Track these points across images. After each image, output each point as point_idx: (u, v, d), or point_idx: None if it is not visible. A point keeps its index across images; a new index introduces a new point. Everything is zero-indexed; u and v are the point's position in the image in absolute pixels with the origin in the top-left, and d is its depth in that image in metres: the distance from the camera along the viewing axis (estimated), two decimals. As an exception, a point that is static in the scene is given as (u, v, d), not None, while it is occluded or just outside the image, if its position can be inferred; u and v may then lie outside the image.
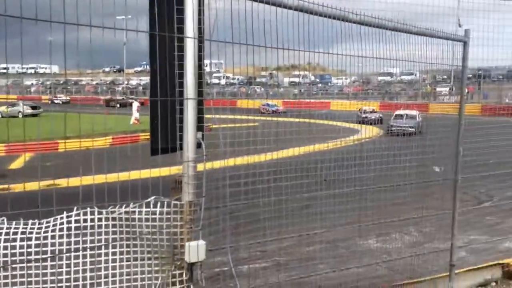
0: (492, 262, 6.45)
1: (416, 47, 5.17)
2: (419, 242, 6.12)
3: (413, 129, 8.15)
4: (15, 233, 2.71)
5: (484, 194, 10.70)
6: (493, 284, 6.09)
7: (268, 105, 22.18)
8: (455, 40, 5.53)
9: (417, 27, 5.06)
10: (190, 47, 3.30)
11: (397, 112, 12.36)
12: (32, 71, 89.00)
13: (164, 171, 3.45)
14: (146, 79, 72.14)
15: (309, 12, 3.78)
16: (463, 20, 7.84)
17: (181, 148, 3.47)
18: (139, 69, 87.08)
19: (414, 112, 14.08)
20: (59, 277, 2.74)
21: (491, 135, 8.43)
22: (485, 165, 8.03)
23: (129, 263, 2.97)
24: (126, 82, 78.73)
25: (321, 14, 3.88)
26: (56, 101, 48.77)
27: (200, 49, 3.48)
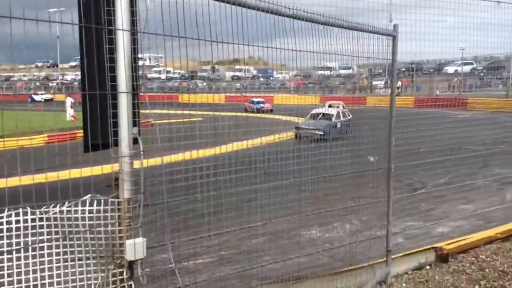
0: (426, 247, 6.78)
1: (352, 42, 5.35)
2: (359, 230, 6.33)
3: (321, 134, 7.03)
4: None
5: (418, 182, 11.23)
6: (428, 267, 6.40)
7: (252, 102, 19.79)
8: (384, 34, 5.76)
9: (348, 21, 5.22)
10: (121, 39, 3.25)
11: (314, 111, 10.49)
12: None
13: (106, 169, 3.38)
14: None
15: (243, 6, 3.81)
16: (395, 16, 8.20)
17: (117, 144, 3.41)
18: (74, 63, 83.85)
19: (332, 111, 13.36)
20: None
21: (422, 125, 8.88)
22: (417, 154, 8.44)
23: (67, 263, 2.89)
24: (60, 77, 75.58)
25: (254, 7, 3.93)
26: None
27: (134, 41, 3.44)
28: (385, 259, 5.82)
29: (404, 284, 5.82)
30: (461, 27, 9.09)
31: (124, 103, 3.37)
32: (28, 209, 2.85)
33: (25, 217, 2.82)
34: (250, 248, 5.49)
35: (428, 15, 8.47)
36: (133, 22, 3.50)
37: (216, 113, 5.14)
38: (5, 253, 2.69)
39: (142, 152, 3.49)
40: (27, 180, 2.91)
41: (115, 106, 3.47)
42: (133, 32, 3.48)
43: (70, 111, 30.53)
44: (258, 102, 19.46)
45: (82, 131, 3.63)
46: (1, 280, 2.72)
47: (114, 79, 3.45)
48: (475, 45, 9.81)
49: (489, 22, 9.59)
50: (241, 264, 5.34)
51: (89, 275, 2.98)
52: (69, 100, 32.29)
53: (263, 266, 5.12)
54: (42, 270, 2.81)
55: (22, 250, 2.74)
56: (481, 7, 8.83)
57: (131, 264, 3.17)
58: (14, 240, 2.74)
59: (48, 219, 2.90)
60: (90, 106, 3.45)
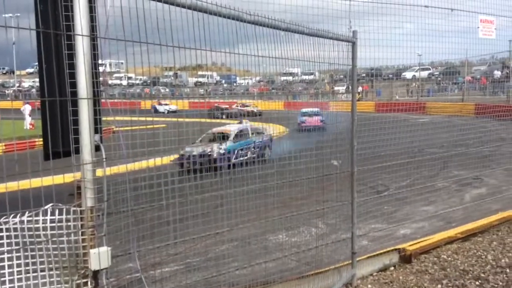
0: (390, 248, 6.91)
1: (313, 48, 5.43)
2: (325, 234, 6.40)
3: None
4: None
5: (381, 185, 11.45)
6: (392, 268, 6.52)
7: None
8: (343, 40, 5.88)
9: (309, 28, 5.31)
10: (81, 45, 3.20)
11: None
12: None
13: (67, 177, 3.30)
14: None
15: (204, 11, 3.82)
16: (354, 22, 8.37)
17: (78, 152, 3.35)
18: (31, 70, 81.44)
19: (244, 126, 10.95)
20: None
21: (383, 129, 9.08)
22: (379, 157, 8.61)
23: (28, 275, 2.80)
24: (17, 85, 73.23)
25: (216, 13, 3.95)
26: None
27: (94, 47, 3.39)
28: (350, 261, 5.90)
29: (369, 286, 5.91)
30: (418, 34, 9.37)
31: (85, 109, 3.32)
32: (-13, 220, 2.75)
33: (-17, 229, 2.72)
34: (217, 254, 5.46)
35: (386, 22, 8.70)
36: (92, 28, 3.46)
37: (180, 119, 5.12)
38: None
39: (104, 160, 3.44)
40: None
41: (75, 113, 3.41)
42: (93, 38, 3.43)
43: (28, 119, 29.62)
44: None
45: (41, 139, 3.54)
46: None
47: (74, 85, 3.39)
48: (431, 51, 10.14)
49: (444, 29, 9.93)
50: (209, 271, 5.30)
51: (52, 287, 2.89)
52: (27, 108, 31.31)
53: (230, 272, 5.10)
54: (3, 283, 2.72)
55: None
56: (437, 14, 9.13)
57: (95, 274, 3.10)
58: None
59: (8, 230, 2.81)
60: (50, 113, 3.37)
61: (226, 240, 5.39)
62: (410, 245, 6.94)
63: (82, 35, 3.23)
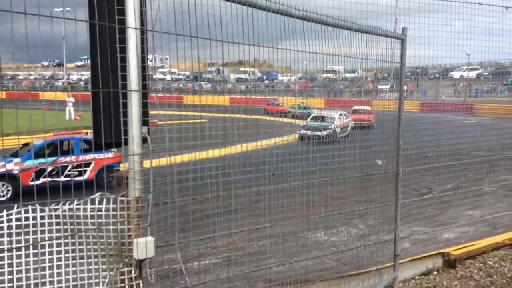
0: (433, 252, 6.73)
1: (359, 45, 5.32)
2: (365, 234, 6.30)
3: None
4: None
5: (424, 187, 11.16)
6: (435, 273, 6.35)
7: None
8: (393, 37, 5.74)
9: (357, 24, 5.21)
10: (132, 37, 3.25)
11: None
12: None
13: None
14: (87, 74, 69.43)
15: (253, 6, 3.80)
16: (402, 19, 8.17)
17: (126, 143, 3.40)
18: (79, 63, 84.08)
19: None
20: (1, 278, 2.62)
21: (429, 129, 8.83)
22: (424, 158, 8.39)
23: (75, 261, 2.87)
24: (66, 77, 75.72)
25: (265, 8, 3.92)
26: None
27: (143, 41, 3.43)
28: (392, 263, 5.77)
29: (411, 289, 5.78)
30: (468, 32, 9.05)
31: (134, 101, 3.36)
32: (37, 206, 2.83)
33: (34, 214, 2.80)
34: (255, 250, 5.46)
35: (435, 19, 8.44)
36: (142, 22, 3.50)
37: (226, 115, 5.15)
38: (14, 250, 2.68)
39: (151, 151, 3.48)
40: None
41: (124, 105, 3.47)
42: (142, 32, 3.48)
43: (71, 110, 30.56)
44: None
45: (86, 130, 3.63)
46: (10, 277, 2.71)
47: (124, 78, 3.45)
48: (482, 50, 9.76)
49: (497, 28, 9.53)
50: (247, 265, 5.31)
51: (97, 273, 2.96)
52: (71, 100, 32.34)
53: (268, 269, 5.08)
54: (51, 268, 2.80)
55: (31, 247, 2.73)
56: (490, 12, 8.77)
57: (139, 263, 3.14)
58: (23, 237, 2.72)
59: (57, 217, 2.88)
60: (100, 104, 3.44)
61: (265, 236, 5.38)
62: (455, 250, 6.74)
63: (135, 28, 3.27)
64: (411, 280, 6.02)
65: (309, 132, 8.65)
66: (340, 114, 14.32)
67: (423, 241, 8.02)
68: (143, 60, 3.56)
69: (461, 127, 12.24)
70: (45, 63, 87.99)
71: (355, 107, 10.94)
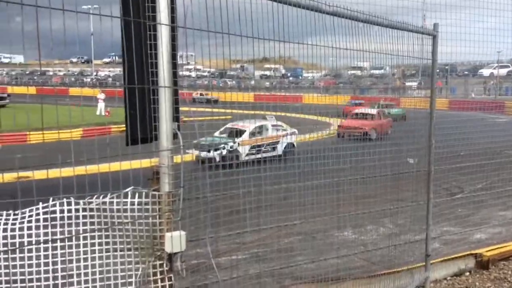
0: (465, 252, 6.58)
1: (388, 41, 5.24)
2: (395, 234, 6.20)
3: None
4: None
5: (455, 186, 10.94)
6: (467, 274, 6.21)
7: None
8: (424, 33, 5.64)
9: (388, 20, 5.13)
10: (164, 33, 3.28)
11: None
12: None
13: (143, 163, 3.40)
14: (115, 70, 71.10)
15: (284, 2, 3.78)
16: (430, 15, 8.00)
17: (156, 139, 3.44)
18: (107, 60, 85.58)
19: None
20: (37, 269, 2.67)
21: (460, 128, 8.64)
22: (455, 157, 8.22)
23: (108, 254, 2.91)
24: (95, 73, 77.09)
25: (295, 4, 3.90)
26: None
27: (173, 38, 3.46)
28: (423, 263, 5.67)
29: (442, 290, 5.66)
30: (500, 28, 8.81)
31: (167, 98, 3.39)
32: (72, 199, 2.88)
33: (69, 207, 2.85)
34: (283, 247, 5.44)
35: (467, 15, 8.25)
36: (172, 19, 3.53)
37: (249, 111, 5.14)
38: (49, 242, 2.73)
39: (182, 147, 3.50)
40: (68, 172, 2.93)
41: (155, 102, 3.50)
42: (172, 29, 3.50)
43: (102, 106, 31.09)
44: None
45: (116, 126, 3.68)
46: (46, 268, 2.76)
47: (154, 74, 3.48)
48: (512, 47, 9.49)
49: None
50: (274, 262, 5.29)
51: (130, 266, 2.99)
52: (101, 96, 32.91)
53: (296, 266, 5.06)
54: (85, 260, 2.84)
55: (66, 239, 2.77)
56: (526, 8, 8.50)
57: (170, 257, 3.16)
58: (58, 229, 2.77)
59: (91, 210, 2.92)
60: (133, 100, 3.49)
61: (293, 233, 5.35)
62: (488, 251, 6.57)
63: (168, 24, 3.30)
64: (443, 281, 5.90)
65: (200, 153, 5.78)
66: (276, 126, 11.99)
67: (454, 241, 7.86)
68: (173, 57, 3.59)
69: (493, 126, 11.95)
70: (74, 60, 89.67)
71: (356, 111, 10.28)
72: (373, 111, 11.72)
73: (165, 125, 3.40)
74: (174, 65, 3.59)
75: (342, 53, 4.80)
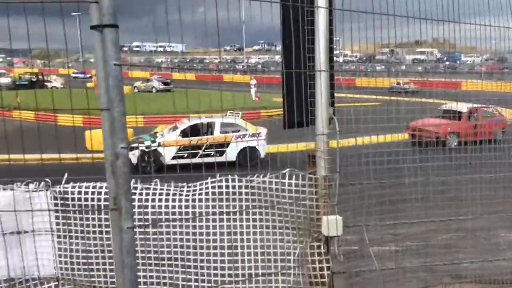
0: None
1: None
2: None
3: None
4: (167, 194, 2.92)
5: None
6: None
7: None
8: None
9: None
10: (322, 17, 3.28)
11: None
12: (162, 49, 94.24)
13: (300, 146, 3.47)
14: (264, 57, 75.02)
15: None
16: None
17: (312, 123, 3.46)
18: (257, 47, 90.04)
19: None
20: (207, 237, 2.89)
21: None
22: None
23: (268, 230, 3.03)
24: (246, 60, 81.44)
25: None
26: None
27: (330, 22, 3.44)
28: None
29: None
30: None
31: (323, 82, 3.40)
32: (236, 177, 3.05)
33: (233, 184, 3.02)
34: (439, 242, 5.10)
35: None
36: (330, 3, 3.50)
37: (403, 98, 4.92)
38: (217, 215, 2.93)
39: (337, 132, 3.48)
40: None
41: (311, 87, 3.53)
42: (329, 13, 3.47)
43: (253, 92, 32.22)
44: None
45: (265, 111, 3.78)
46: (208, 238, 2.97)
47: (311, 60, 3.51)
48: None
49: None
50: (430, 257, 4.99)
51: (288, 244, 3.07)
52: (253, 82, 34.15)
53: (456, 264, 4.70)
54: (248, 233, 2.99)
55: (231, 213, 2.95)
56: None
57: (327, 240, 3.18)
58: (224, 203, 2.96)
59: (252, 187, 3.07)
60: (291, 85, 3.56)
61: (450, 229, 4.99)
62: None
63: (325, 8, 3.30)
64: None
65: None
66: (229, 126, 10.88)
67: None
68: (330, 41, 3.58)
69: None
70: (227, 48, 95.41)
71: (444, 106, 7.26)
72: (464, 107, 8.87)
73: (321, 109, 3.41)
74: (330, 50, 3.58)
75: (505, 34, 4.34)
